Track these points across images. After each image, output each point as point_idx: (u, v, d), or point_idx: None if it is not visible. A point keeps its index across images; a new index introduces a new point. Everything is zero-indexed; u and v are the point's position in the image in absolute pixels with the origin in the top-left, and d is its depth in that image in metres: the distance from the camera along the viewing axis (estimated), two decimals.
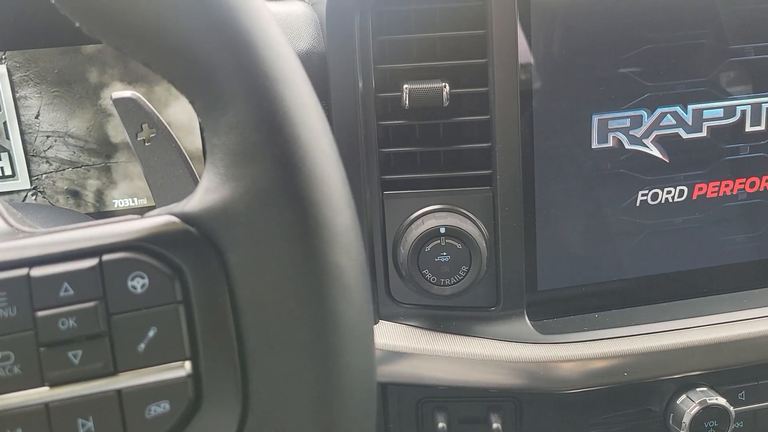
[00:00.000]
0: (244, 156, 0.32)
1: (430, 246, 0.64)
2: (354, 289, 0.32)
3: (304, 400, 0.31)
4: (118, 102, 0.43)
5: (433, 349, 0.68)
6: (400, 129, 0.66)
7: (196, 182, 0.43)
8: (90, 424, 0.30)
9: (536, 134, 0.66)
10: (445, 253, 0.64)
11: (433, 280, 0.65)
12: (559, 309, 0.71)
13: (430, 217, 0.65)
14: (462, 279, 0.65)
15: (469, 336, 0.69)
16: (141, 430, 0.30)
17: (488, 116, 0.65)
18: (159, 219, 0.32)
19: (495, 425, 0.67)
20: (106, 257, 0.31)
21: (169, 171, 0.43)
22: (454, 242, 0.64)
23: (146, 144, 0.43)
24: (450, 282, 0.65)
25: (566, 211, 0.69)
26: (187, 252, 0.32)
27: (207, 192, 0.32)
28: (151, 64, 0.34)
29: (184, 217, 0.32)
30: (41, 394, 0.30)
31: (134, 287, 0.31)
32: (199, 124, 0.34)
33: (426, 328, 0.69)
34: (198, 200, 0.32)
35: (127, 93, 0.43)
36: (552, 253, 0.69)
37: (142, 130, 0.43)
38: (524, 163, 0.66)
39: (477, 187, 0.67)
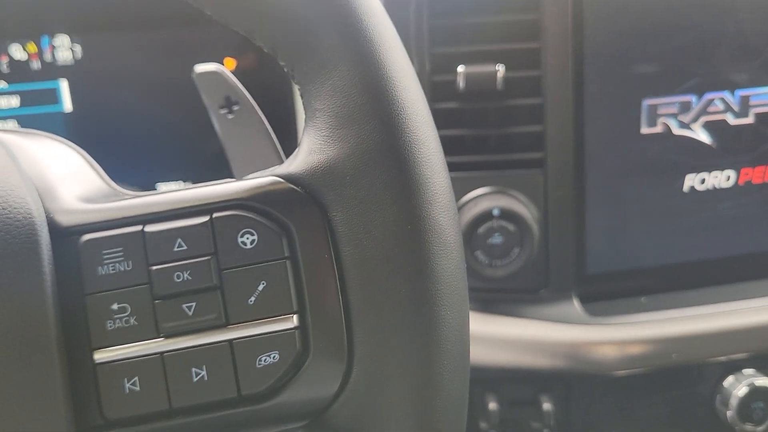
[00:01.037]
0: (350, 118, 0.33)
1: (483, 228, 0.65)
2: (453, 246, 0.33)
3: (405, 352, 0.32)
4: (200, 76, 0.44)
5: (483, 332, 0.69)
6: (453, 112, 0.67)
7: (279, 156, 0.44)
8: (203, 372, 0.31)
9: (587, 118, 0.67)
10: (497, 235, 0.65)
11: (486, 261, 0.66)
12: (607, 292, 0.72)
13: (484, 199, 0.66)
14: (513, 260, 0.66)
15: (517, 318, 0.70)
16: (252, 379, 0.31)
17: (540, 100, 0.66)
18: (265, 179, 0.33)
19: (545, 406, 0.68)
20: (216, 215, 0.32)
21: (251, 145, 0.44)
22: (506, 224, 0.65)
23: (229, 117, 0.44)
24: (502, 263, 0.66)
25: (615, 195, 0.69)
26: (293, 210, 0.33)
27: (310, 153, 0.33)
28: (254, 33, 0.35)
29: (289, 178, 0.33)
30: (157, 344, 0.31)
31: (244, 243, 0.32)
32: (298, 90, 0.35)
33: (475, 310, 0.70)
34: (301, 161, 0.33)
35: (211, 66, 0.44)
36: (601, 236, 0.70)
37: (225, 102, 0.44)
38: (575, 146, 0.67)
39: (527, 169, 0.67)
